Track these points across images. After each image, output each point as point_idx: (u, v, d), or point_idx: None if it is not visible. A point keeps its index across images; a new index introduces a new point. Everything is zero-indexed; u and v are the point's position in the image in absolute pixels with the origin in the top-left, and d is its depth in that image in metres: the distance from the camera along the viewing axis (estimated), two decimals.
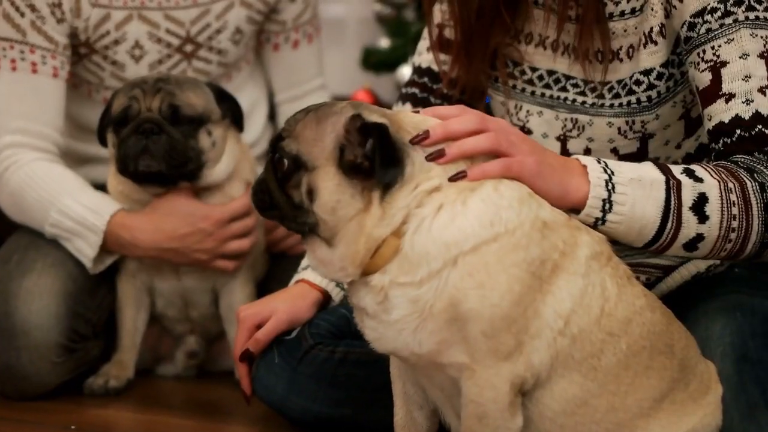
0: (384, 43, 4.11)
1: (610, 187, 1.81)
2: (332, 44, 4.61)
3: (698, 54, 1.99)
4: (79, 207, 2.56)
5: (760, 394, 1.89)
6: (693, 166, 1.90)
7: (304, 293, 2.29)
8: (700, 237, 1.86)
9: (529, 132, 2.21)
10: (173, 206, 2.56)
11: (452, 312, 1.69)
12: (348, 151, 1.71)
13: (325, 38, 4.55)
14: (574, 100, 2.15)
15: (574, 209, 1.81)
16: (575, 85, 2.15)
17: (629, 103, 2.10)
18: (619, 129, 2.12)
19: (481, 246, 1.68)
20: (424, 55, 2.36)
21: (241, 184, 2.64)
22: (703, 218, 1.85)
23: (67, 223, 2.57)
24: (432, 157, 1.73)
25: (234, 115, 2.63)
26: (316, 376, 2.24)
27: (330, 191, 1.71)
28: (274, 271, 2.84)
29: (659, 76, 2.07)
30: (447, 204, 1.70)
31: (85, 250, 2.58)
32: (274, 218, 1.82)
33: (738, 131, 1.93)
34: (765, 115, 1.92)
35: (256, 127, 2.94)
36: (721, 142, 1.95)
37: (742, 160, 1.92)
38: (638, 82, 2.08)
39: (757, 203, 1.86)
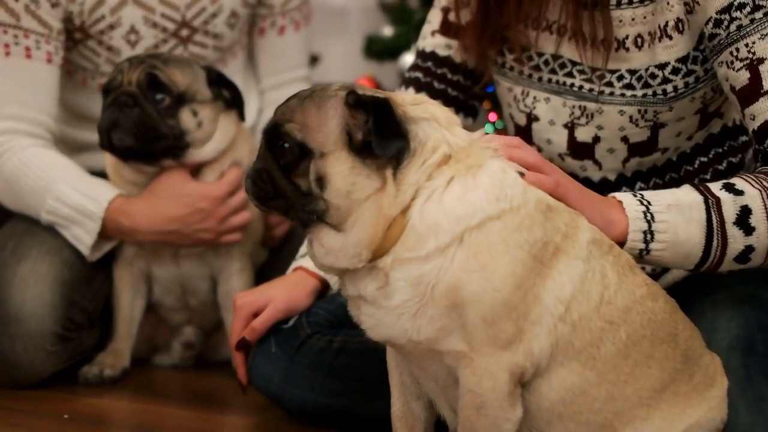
0: (387, 31, 4.08)
1: (648, 217, 1.85)
2: (335, 32, 4.60)
3: (731, 53, 1.95)
4: (76, 194, 2.53)
5: (767, 387, 1.85)
6: (733, 179, 1.89)
7: (302, 281, 2.26)
8: (749, 249, 1.87)
9: (535, 119, 2.19)
10: (170, 188, 2.53)
11: (453, 297, 1.66)
12: (355, 132, 1.68)
13: (328, 26, 4.55)
14: (581, 87, 2.12)
15: (617, 242, 1.83)
16: (581, 72, 2.12)
17: (644, 95, 2.07)
18: (630, 117, 2.09)
19: (486, 222, 1.67)
20: (428, 39, 2.33)
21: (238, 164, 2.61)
22: (749, 230, 1.85)
23: (64, 210, 2.54)
24: None
25: (231, 100, 2.59)
26: (313, 366, 2.21)
27: (344, 175, 1.68)
28: (272, 259, 2.81)
29: (674, 71, 2.04)
30: (458, 176, 1.69)
31: (83, 237, 2.55)
32: (278, 209, 1.77)
33: None
34: None
35: (249, 114, 2.90)
36: None
37: None
38: (653, 76, 2.06)
39: None
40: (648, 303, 1.78)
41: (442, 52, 2.30)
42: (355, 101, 1.69)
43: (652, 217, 1.85)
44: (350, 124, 1.69)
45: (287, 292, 2.25)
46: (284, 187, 1.73)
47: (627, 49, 2.07)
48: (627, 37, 2.06)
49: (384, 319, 1.72)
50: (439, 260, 1.67)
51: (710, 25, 1.96)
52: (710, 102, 2.10)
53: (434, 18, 2.32)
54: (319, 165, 1.69)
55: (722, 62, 1.97)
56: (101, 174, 2.65)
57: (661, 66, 2.05)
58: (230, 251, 2.66)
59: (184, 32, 2.73)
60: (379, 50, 4.02)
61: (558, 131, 2.17)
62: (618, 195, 1.88)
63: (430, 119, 1.72)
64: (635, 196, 1.87)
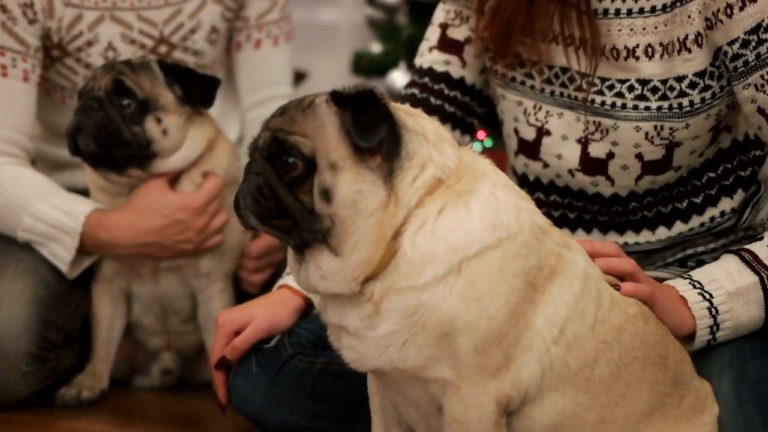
0: (375, 48, 4.09)
1: (713, 312, 1.92)
2: (323, 49, 4.60)
3: (762, 76, 1.94)
4: (53, 210, 2.49)
5: (758, 414, 1.82)
6: None
7: (286, 300, 2.22)
8: None
9: (547, 133, 2.16)
10: (148, 200, 2.48)
11: (447, 326, 1.62)
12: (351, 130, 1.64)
13: (316, 43, 4.54)
14: (593, 101, 2.09)
15: (684, 337, 1.90)
16: (591, 84, 2.08)
17: (660, 108, 2.04)
18: (646, 134, 2.06)
19: (485, 251, 1.63)
20: (426, 56, 2.31)
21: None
22: None
23: (40, 227, 2.49)
24: None
25: (196, 95, 2.51)
26: (294, 388, 2.17)
27: (348, 182, 1.62)
28: None
29: (692, 85, 2.02)
30: (449, 206, 1.64)
31: (62, 254, 2.51)
32: (281, 228, 1.68)
33: None
34: None
35: (228, 137, 2.85)
36: None
37: None
38: (672, 88, 2.03)
39: None
40: (639, 323, 1.75)
41: (439, 68, 2.28)
42: (338, 98, 1.65)
43: (717, 310, 1.91)
44: (346, 123, 1.64)
45: (270, 311, 2.20)
46: (291, 205, 1.66)
47: (637, 59, 2.04)
48: (638, 46, 2.04)
49: (367, 352, 1.67)
50: (438, 288, 1.62)
51: (736, 45, 1.94)
52: (723, 118, 2.08)
53: (432, 35, 2.30)
54: (325, 177, 1.63)
55: (749, 84, 1.95)
56: (83, 192, 2.60)
57: (679, 79, 2.02)
58: (211, 272, 2.61)
59: (163, 49, 2.69)
60: (367, 67, 4.03)
61: (570, 146, 2.14)
62: (678, 287, 1.92)
63: (419, 133, 1.68)
64: (694, 286, 1.92)
